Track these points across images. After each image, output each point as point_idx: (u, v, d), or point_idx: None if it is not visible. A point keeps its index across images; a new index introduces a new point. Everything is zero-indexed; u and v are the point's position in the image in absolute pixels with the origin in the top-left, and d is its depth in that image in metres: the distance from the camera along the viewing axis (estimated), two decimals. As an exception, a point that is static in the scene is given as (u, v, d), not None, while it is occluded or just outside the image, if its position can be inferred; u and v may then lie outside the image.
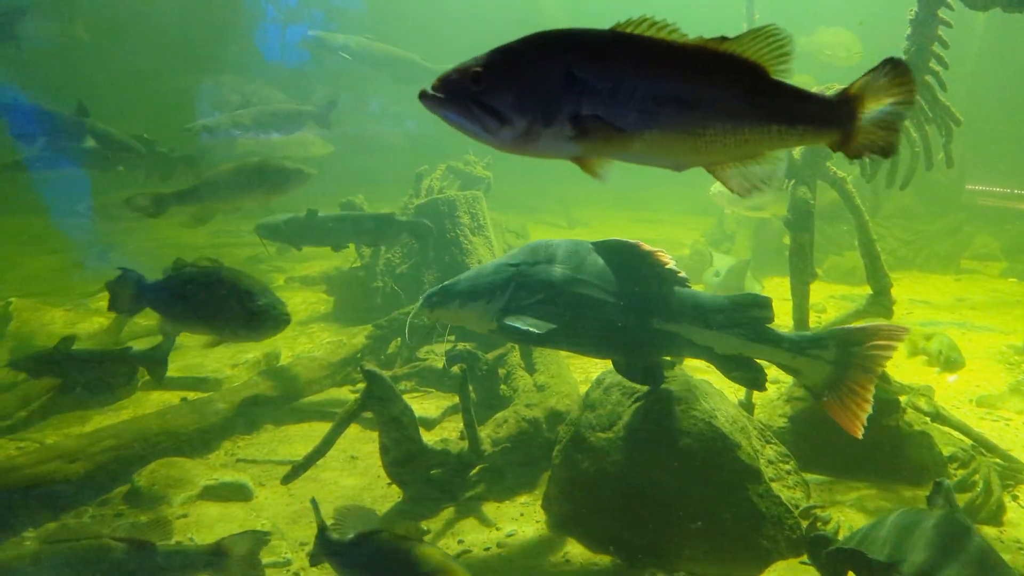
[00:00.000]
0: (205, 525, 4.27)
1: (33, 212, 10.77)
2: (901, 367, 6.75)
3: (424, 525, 4.26)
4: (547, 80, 1.92)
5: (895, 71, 2.07)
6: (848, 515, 4.25)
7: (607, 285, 3.78)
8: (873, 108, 2.09)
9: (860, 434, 3.49)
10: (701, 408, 4.01)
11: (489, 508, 4.44)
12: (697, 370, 4.91)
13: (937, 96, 4.62)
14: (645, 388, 4.15)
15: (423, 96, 1.97)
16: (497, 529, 4.24)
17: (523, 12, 17.59)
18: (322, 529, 2.88)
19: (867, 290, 5.19)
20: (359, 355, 6.55)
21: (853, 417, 3.52)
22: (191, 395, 5.97)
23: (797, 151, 5.27)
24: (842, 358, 3.61)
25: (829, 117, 2.09)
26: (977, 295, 10.71)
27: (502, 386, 5.73)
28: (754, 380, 3.80)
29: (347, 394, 6.20)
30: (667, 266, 3.77)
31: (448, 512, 4.40)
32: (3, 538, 4.05)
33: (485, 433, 4.73)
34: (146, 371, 4.53)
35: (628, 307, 3.77)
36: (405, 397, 4.49)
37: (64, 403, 5.61)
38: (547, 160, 2.10)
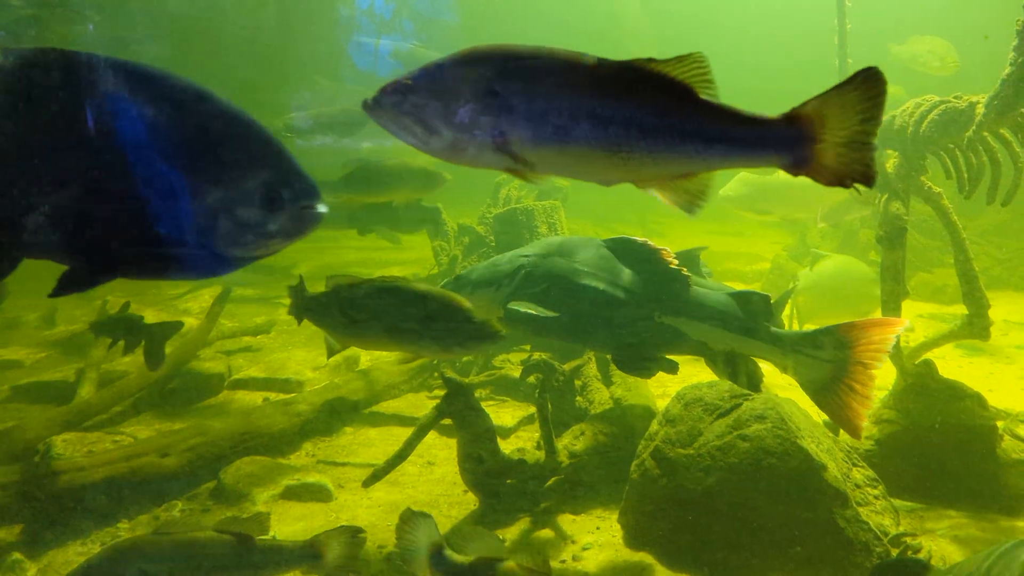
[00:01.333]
0: (287, 524, 4.37)
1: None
2: (998, 392, 6.46)
3: (499, 535, 4.27)
4: (469, 94, 1.99)
5: (866, 83, 1.87)
6: (940, 545, 4.08)
7: (614, 279, 3.93)
8: (842, 127, 1.90)
9: (860, 435, 3.46)
10: (785, 427, 3.91)
11: (564, 520, 4.42)
12: (781, 388, 4.79)
13: (1046, 110, 4.41)
14: (728, 405, 4.08)
15: (364, 105, 2.09)
16: (573, 542, 4.22)
17: (608, 22, 17.53)
18: (439, 548, 2.84)
19: (959, 310, 4.99)
20: (436, 361, 6.61)
21: (855, 416, 3.44)
22: (274, 396, 6.13)
23: (889, 164, 5.11)
24: (840, 356, 3.54)
25: (770, 140, 1.94)
26: (1078, 317, 10.16)
27: (578, 398, 5.71)
28: (750, 378, 3.80)
29: (424, 400, 6.27)
30: (671, 265, 3.86)
31: (524, 523, 4.40)
32: (100, 528, 4.23)
33: (562, 444, 4.72)
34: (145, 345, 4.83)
35: (632, 300, 3.89)
36: (481, 405, 4.51)
37: (158, 400, 5.84)
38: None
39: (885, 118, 5.09)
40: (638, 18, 18.32)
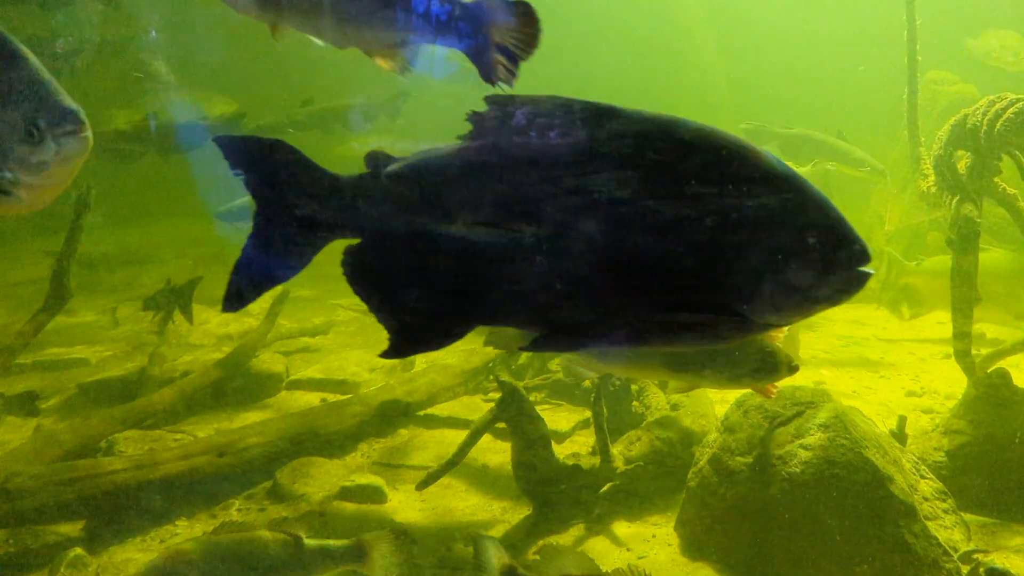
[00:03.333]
0: (340, 524, 4.40)
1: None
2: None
3: (553, 541, 4.22)
4: None
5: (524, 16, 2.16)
6: (1014, 562, 3.89)
7: None
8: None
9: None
10: (850, 437, 3.78)
11: (619, 528, 4.35)
12: (845, 396, 4.64)
13: None
14: (789, 413, 3.96)
15: None
16: (628, 550, 4.15)
17: (665, 20, 17.28)
18: (511, 569, 2.79)
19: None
20: (491, 364, 6.59)
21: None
22: (331, 397, 6.19)
23: (961, 165, 4.91)
24: None
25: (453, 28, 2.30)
26: None
27: (634, 403, 5.62)
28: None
29: (479, 403, 6.25)
30: None
31: (577, 529, 4.34)
32: (159, 526, 4.32)
33: (617, 451, 4.65)
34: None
35: None
36: (536, 408, 4.48)
37: (218, 400, 5.95)
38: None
39: (957, 116, 4.90)
40: (696, 13, 18.06)
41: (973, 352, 4.81)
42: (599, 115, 1.59)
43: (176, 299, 5.92)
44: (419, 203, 1.71)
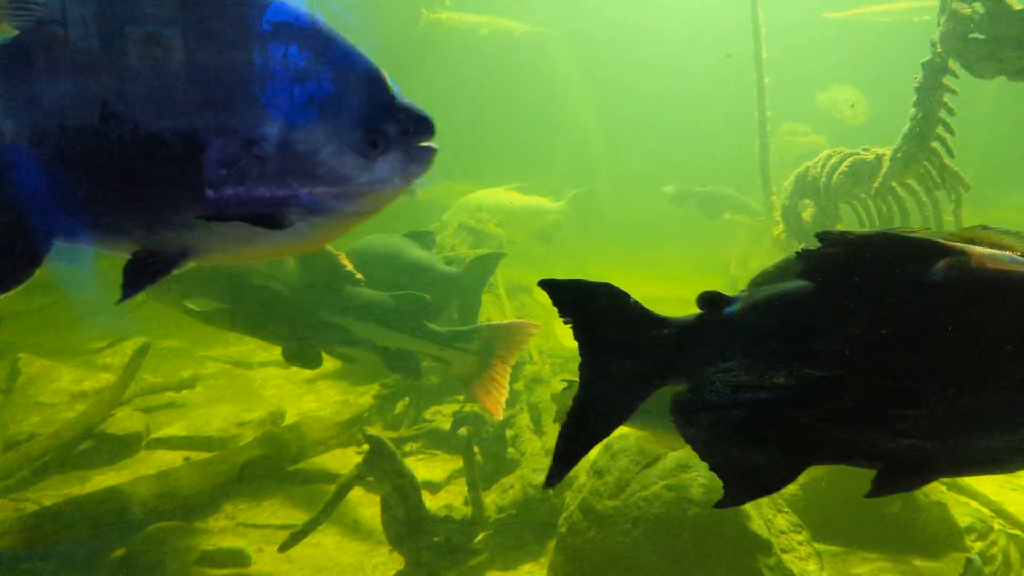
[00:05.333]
0: (202, 592, 4.18)
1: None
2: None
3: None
4: None
5: None
6: (863, 589, 4.11)
7: (286, 279, 4.40)
8: None
9: (501, 415, 4.34)
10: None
11: (493, 577, 4.33)
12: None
13: (945, 163, 4.60)
14: (655, 455, 4.08)
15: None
16: (501, 600, 4.13)
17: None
18: None
19: None
20: (365, 415, 6.47)
21: (495, 402, 4.25)
22: (196, 455, 5.90)
23: (806, 214, 5.25)
24: (485, 350, 4.27)
25: None
26: None
27: (509, 448, 5.64)
28: (412, 370, 4.55)
29: (353, 455, 6.11)
30: (346, 267, 4.43)
31: (451, 581, 4.29)
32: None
33: (490, 499, 4.64)
34: None
35: (297, 298, 4.42)
36: (411, 459, 4.43)
37: (69, 464, 5.57)
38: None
39: (800, 169, 5.26)
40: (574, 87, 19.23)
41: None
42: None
43: None
44: (770, 350, 1.65)
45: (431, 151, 1.82)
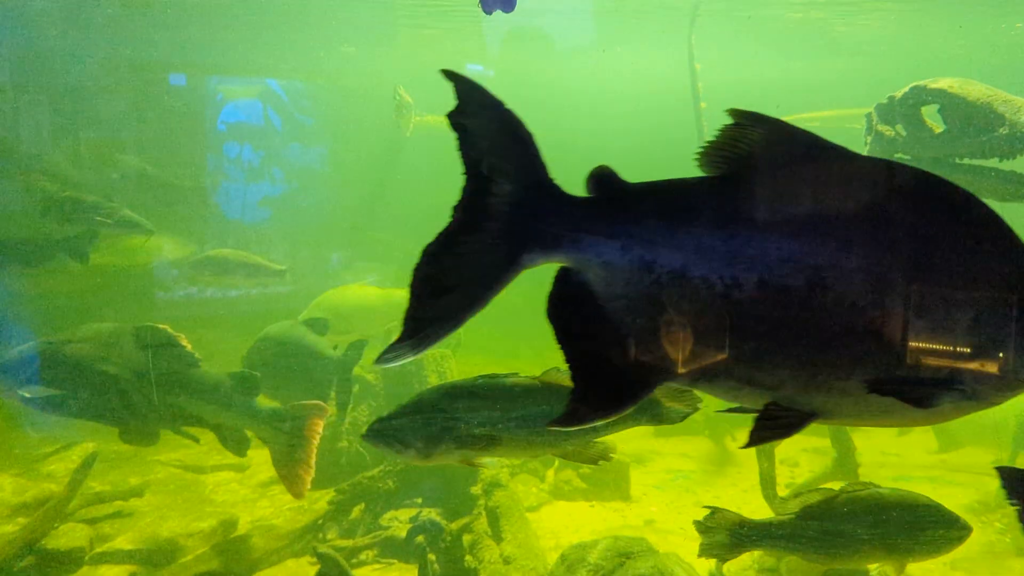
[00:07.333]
0: None
1: None
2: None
3: None
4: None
5: None
6: None
7: (125, 363, 4.59)
8: None
9: (303, 496, 4.62)
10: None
11: None
12: (672, 534, 4.79)
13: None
14: (610, 565, 4.05)
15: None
16: None
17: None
18: None
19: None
20: (321, 521, 6.33)
21: (298, 478, 4.49)
22: (142, 571, 5.69)
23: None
24: (294, 429, 4.55)
25: None
26: None
27: (467, 556, 5.54)
28: (237, 444, 4.75)
29: (307, 566, 5.94)
30: (185, 348, 4.66)
31: None
32: None
33: (447, 613, 4.53)
34: None
35: (136, 380, 4.58)
36: (366, 570, 4.33)
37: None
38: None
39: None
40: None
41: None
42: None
43: None
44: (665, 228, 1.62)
45: None
